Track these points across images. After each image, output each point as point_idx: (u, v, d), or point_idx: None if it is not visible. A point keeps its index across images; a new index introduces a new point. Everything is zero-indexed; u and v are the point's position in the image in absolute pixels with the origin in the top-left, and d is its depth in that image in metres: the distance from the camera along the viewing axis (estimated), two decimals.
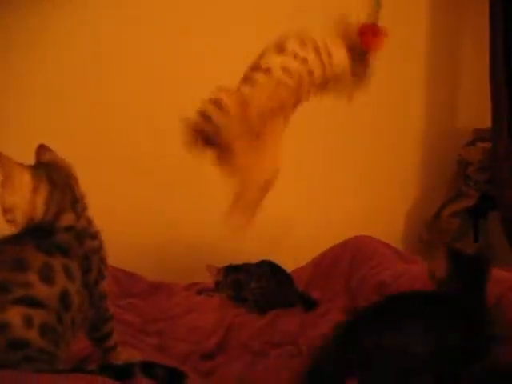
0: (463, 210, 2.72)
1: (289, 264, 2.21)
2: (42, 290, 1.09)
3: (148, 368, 1.17)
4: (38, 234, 1.16)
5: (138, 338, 1.65)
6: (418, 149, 2.92)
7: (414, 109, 2.90)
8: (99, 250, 1.28)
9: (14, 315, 1.04)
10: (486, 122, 2.59)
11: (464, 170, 2.73)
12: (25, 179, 1.16)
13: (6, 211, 1.16)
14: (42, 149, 1.28)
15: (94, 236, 1.27)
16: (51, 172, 1.21)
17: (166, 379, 1.17)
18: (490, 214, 2.74)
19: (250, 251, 2.25)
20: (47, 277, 1.11)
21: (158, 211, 2.53)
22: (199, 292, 2.18)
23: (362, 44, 1.42)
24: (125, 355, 1.34)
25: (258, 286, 2.04)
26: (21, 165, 1.17)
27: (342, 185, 2.79)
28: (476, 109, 2.81)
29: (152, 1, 2.53)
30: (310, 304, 2.00)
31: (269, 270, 2.10)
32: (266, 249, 2.40)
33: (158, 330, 1.79)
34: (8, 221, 1.17)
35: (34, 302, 1.07)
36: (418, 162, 2.93)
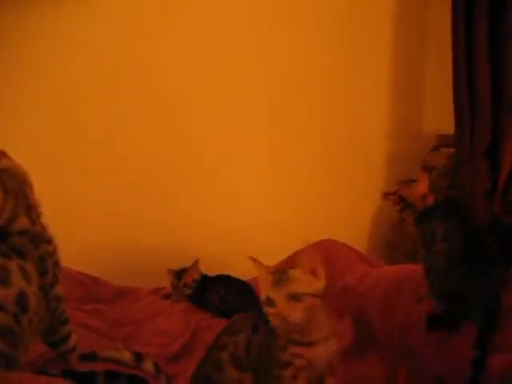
0: None
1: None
2: None
3: (111, 377, 1.17)
4: None
5: (104, 343, 1.64)
6: (383, 153, 2.95)
7: (380, 114, 2.94)
8: (53, 254, 1.28)
9: None
10: (450, 128, 2.64)
11: (428, 175, 2.77)
12: None
13: None
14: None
15: (49, 241, 1.27)
16: (5, 179, 1.21)
17: None
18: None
19: (214, 253, 2.28)
20: (4, 279, 1.10)
21: (121, 214, 2.52)
22: (166, 296, 2.19)
23: None
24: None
25: (218, 296, 2.07)
26: None
27: (307, 189, 2.82)
28: (440, 115, 2.85)
29: None
30: None
31: (227, 281, 2.15)
32: (232, 251, 2.41)
33: (124, 335, 1.79)
34: None
35: None
36: (384, 167, 2.96)
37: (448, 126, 2.65)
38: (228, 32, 2.58)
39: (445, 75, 2.63)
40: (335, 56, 2.81)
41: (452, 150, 2.67)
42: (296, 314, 1.11)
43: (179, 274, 2.18)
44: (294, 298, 1.12)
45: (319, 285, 1.15)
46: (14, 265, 1.13)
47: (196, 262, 2.20)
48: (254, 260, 1.21)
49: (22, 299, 1.12)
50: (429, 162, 2.78)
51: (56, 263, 1.28)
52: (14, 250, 1.16)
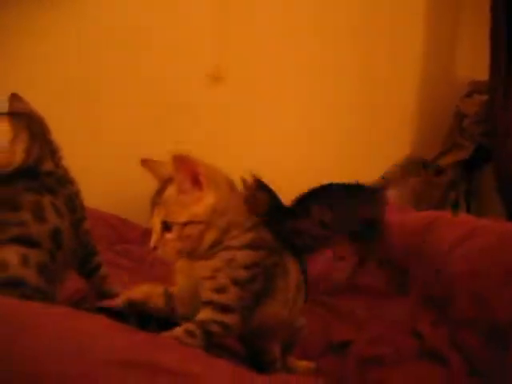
0: (458, 161, 2.72)
1: None
2: (35, 229, 1.09)
3: (143, 319, 1.19)
4: (24, 176, 1.16)
5: (133, 281, 1.66)
6: (414, 99, 2.90)
7: (411, 60, 2.87)
8: (78, 194, 1.29)
9: (11, 254, 1.05)
10: (483, 74, 2.57)
11: (460, 122, 2.71)
12: (4, 128, 1.15)
13: None
14: (15, 98, 1.26)
15: (72, 182, 1.29)
16: (29, 122, 1.21)
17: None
18: (485, 166, 2.73)
19: None
20: (39, 215, 1.11)
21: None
22: None
23: None
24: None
25: None
26: None
27: (337, 136, 2.79)
28: (473, 61, 2.78)
29: None
30: None
31: None
32: None
33: (153, 276, 1.81)
34: None
35: (29, 241, 1.08)
36: (414, 113, 2.92)
37: (482, 72, 2.59)
38: None
39: (481, 22, 2.55)
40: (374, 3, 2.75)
41: (485, 96, 2.60)
42: (166, 247, 0.97)
43: None
44: (166, 227, 0.96)
45: (199, 208, 0.96)
46: (47, 201, 1.14)
47: None
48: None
49: (56, 235, 1.14)
50: (461, 108, 2.72)
51: (81, 203, 1.29)
52: (45, 188, 1.16)
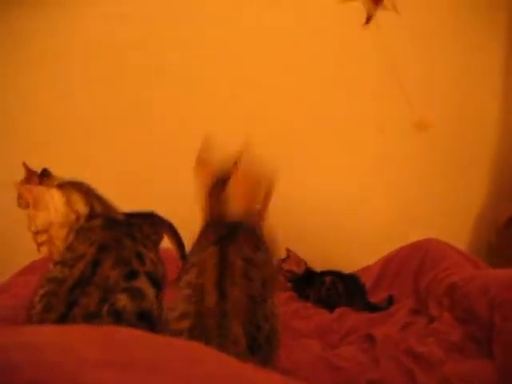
0: None
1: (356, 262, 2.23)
2: (160, 270, 1.22)
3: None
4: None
5: None
6: (490, 151, 2.84)
7: (489, 114, 2.82)
8: None
9: (148, 287, 1.15)
10: None
11: None
12: (56, 196, 1.26)
13: (39, 232, 1.25)
14: (46, 173, 1.39)
15: None
16: (75, 186, 1.32)
17: None
18: None
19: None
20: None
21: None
22: None
23: None
24: None
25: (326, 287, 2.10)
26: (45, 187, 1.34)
27: (409, 186, 2.77)
28: None
29: None
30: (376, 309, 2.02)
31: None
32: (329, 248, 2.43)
33: None
34: (40, 244, 1.25)
35: (154, 279, 1.18)
36: (489, 165, 2.85)
37: None
38: None
39: None
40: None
41: None
42: None
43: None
44: None
45: None
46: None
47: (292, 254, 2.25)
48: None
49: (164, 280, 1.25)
50: None
51: None
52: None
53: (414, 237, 2.26)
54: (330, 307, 1.98)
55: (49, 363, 0.62)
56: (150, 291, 1.10)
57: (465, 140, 2.78)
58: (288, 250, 2.24)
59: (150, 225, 1.29)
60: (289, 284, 2.21)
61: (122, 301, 1.07)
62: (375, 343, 1.60)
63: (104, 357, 0.66)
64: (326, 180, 2.66)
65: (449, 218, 2.75)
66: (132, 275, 1.10)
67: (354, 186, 2.69)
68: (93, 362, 0.64)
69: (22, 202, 1.34)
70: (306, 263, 2.24)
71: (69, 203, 1.27)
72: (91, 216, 1.24)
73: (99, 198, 1.34)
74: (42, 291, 1.07)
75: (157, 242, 1.31)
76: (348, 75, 2.65)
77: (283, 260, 2.22)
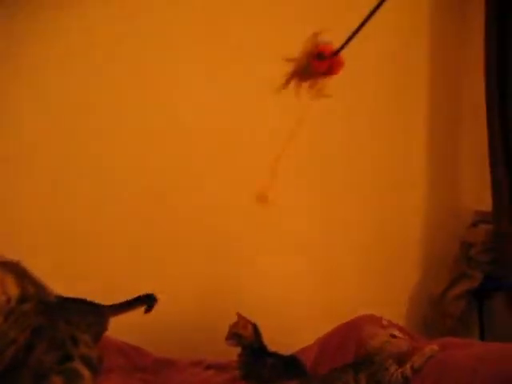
0: (467, 291, 2.72)
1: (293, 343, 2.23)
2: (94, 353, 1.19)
3: None
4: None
5: None
6: (420, 230, 2.95)
7: (417, 192, 2.96)
8: None
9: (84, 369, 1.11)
10: (487, 204, 2.65)
11: (467, 251, 2.75)
12: None
13: None
14: None
15: None
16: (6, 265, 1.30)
17: None
18: (495, 295, 2.73)
19: None
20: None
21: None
22: (208, 367, 2.16)
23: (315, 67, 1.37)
24: None
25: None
26: None
27: (344, 263, 2.81)
28: (476, 191, 2.88)
29: None
30: None
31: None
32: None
33: None
34: None
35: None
36: (420, 243, 2.95)
37: (485, 202, 2.67)
38: None
39: (481, 152, 2.67)
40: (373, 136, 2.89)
41: (491, 226, 2.67)
42: None
43: None
44: None
45: None
46: None
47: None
48: None
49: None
50: (467, 238, 2.77)
51: None
52: None
53: (350, 315, 2.27)
54: None
55: None
56: (86, 373, 1.06)
57: (396, 219, 2.91)
58: (237, 314, 2.14)
59: (93, 314, 1.27)
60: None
61: (58, 382, 1.03)
62: None
63: None
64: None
65: (382, 294, 2.80)
66: (67, 359, 1.06)
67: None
68: None
69: None
70: (254, 326, 2.10)
71: (1, 285, 1.23)
72: (22, 299, 1.21)
73: (32, 280, 1.30)
74: None
75: (99, 334, 1.28)
76: None
77: (233, 324, 2.13)
